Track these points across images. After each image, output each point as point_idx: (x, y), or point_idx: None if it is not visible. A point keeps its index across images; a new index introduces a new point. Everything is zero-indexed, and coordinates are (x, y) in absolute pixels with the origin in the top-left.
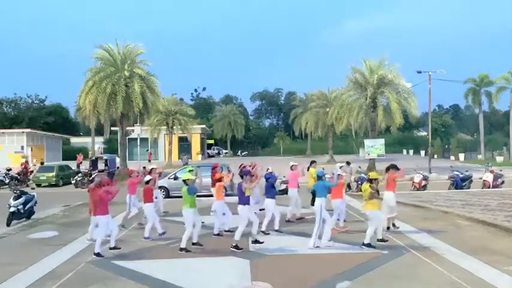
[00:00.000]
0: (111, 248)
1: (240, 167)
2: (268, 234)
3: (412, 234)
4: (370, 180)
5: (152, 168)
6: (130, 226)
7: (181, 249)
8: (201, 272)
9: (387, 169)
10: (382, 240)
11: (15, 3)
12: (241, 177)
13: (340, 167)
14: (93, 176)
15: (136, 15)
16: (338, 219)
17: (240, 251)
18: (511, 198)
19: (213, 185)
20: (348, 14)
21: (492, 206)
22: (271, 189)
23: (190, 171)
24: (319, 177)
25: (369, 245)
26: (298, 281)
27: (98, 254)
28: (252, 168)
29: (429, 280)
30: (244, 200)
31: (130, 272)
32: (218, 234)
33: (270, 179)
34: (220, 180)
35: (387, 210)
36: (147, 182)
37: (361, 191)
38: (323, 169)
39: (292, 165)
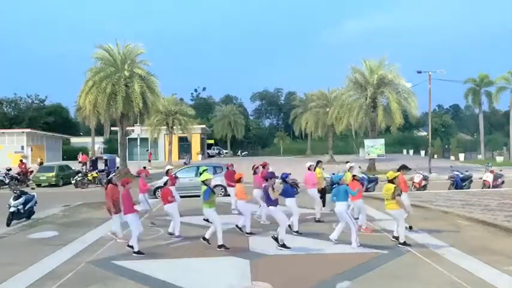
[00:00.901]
0: (129, 246)
1: (253, 168)
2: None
3: (412, 234)
4: (391, 181)
5: (168, 170)
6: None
7: (219, 247)
8: (201, 272)
9: (398, 170)
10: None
11: (15, 3)
12: (266, 180)
13: (350, 168)
14: (110, 175)
15: (137, 15)
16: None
17: (288, 249)
18: (511, 198)
19: (229, 184)
20: (348, 14)
21: (492, 206)
22: (290, 189)
23: (204, 170)
24: (337, 183)
25: (404, 243)
26: (298, 281)
27: (138, 252)
28: (263, 167)
29: (429, 280)
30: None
31: (130, 272)
32: (251, 233)
33: (286, 177)
34: (240, 180)
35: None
36: (165, 184)
37: (366, 191)
38: (323, 169)
39: (310, 165)
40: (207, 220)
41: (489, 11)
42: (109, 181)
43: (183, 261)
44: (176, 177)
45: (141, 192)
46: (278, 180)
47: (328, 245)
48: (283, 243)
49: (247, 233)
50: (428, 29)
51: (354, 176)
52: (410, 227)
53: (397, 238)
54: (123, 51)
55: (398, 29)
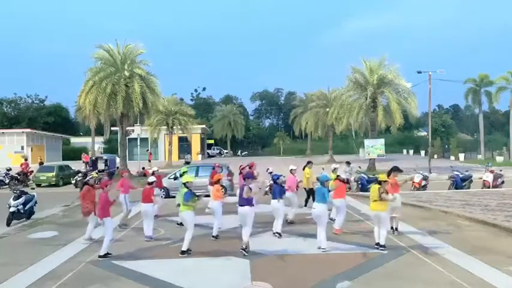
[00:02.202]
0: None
1: (239, 168)
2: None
3: (412, 234)
4: (379, 182)
5: (154, 171)
6: (132, 226)
7: (182, 252)
8: (201, 272)
9: (389, 173)
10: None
11: (15, 3)
12: (244, 179)
13: (334, 169)
14: (88, 177)
15: (137, 15)
16: (332, 219)
17: (246, 254)
18: (511, 198)
19: (211, 184)
20: (348, 14)
21: (492, 206)
22: (279, 191)
23: (185, 172)
24: (322, 184)
25: (383, 247)
26: (298, 281)
27: (105, 256)
28: (250, 168)
29: (429, 280)
30: (249, 202)
31: (130, 272)
32: (216, 236)
33: (277, 179)
34: (218, 182)
35: (391, 211)
36: (151, 183)
37: (361, 191)
38: (323, 169)
39: (291, 169)
40: (180, 224)
41: (489, 11)
42: (85, 183)
43: (183, 261)
44: (176, 178)
45: (122, 192)
46: (268, 182)
47: (328, 244)
48: (246, 247)
49: (213, 236)
50: (428, 29)
51: (337, 176)
52: (394, 229)
53: (383, 246)
54: (123, 51)
55: (399, 29)
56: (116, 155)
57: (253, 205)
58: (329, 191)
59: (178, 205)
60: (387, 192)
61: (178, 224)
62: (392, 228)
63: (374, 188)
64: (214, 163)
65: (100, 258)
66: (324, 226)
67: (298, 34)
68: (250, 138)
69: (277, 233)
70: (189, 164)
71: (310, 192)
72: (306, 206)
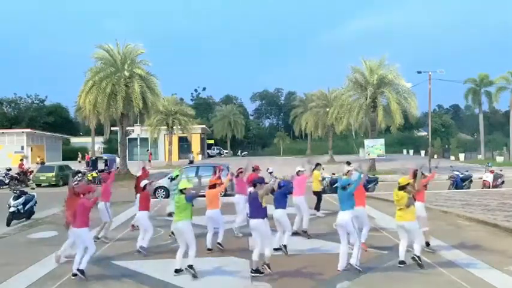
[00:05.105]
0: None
1: (237, 171)
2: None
3: None
4: (403, 187)
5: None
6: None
7: (189, 266)
8: (201, 272)
9: (414, 175)
10: (418, 259)
11: (15, 3)
12: (254, 185)
13: (348, 171)
14: (70, 182)
15: (137, 15)
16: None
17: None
18: (511, 198)
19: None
20: (348, 14)
21: (492, 206)
22: (283, 198)
23: (177, 175)
24: (343, 187)
25: (420, 265)
26: (298, 281)
27: (82, 272)
28: (254, 170)
29: (429, 280)
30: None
31: (130, 272)
32: (219, 245)
33: (284, 186)
34: (214, 186)
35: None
36: (144, 188)
37: (366, 191)
38: (323, 169)
39: (299, 171)
40: (173, 233)
41: (489, 12)
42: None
43: (183, 261)
44: (173, 179)
45: (102, 199)
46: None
47: (329, 245)
48: (257, 268)
49: (218, 243)
50: (428, 29)
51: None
52: (427, 243)
53: (418, 258)
54: (123, 51)
55: (399, 29)
56: (116, 155)
57: (266, 217)
58: (351, 194)
59: (170, 214)
60: (415, 199)
61: (171, 234)
62: (427, 244)
63: (401, 194)
64: (219, 165)
65: (76, 275)
66: (354, 237)
67: (298, 34)
68: (250, 138)
69: (284, 245)
70: (192, 163)
71: (318, 196)
72: (318, 210)
